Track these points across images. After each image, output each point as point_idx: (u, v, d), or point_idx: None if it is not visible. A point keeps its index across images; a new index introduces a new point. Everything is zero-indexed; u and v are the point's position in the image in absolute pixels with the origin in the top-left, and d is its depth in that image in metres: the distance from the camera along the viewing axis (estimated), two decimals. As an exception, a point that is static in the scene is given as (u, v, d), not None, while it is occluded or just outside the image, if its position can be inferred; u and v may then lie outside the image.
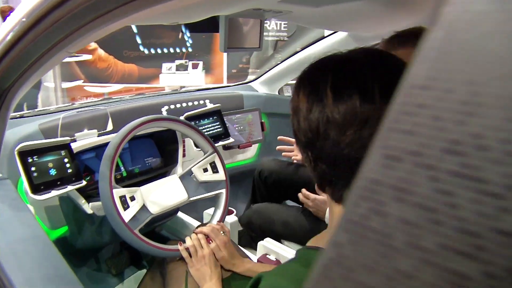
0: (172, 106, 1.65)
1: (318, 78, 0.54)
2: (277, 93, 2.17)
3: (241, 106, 1.99)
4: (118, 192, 0.99)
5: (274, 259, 1.36)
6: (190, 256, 1.04)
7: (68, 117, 1.25)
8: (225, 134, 1.53)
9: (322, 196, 1.51)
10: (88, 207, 1.08)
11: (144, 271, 1.55)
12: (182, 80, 4.75)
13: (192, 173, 1.19)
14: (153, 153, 1.33)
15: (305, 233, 1.53)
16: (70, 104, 1.94)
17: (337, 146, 0.52)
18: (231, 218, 1.56)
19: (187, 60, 4.77)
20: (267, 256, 1.38)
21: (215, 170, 1.21)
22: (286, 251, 1.36)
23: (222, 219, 1.18)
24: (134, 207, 1.01)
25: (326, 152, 0.53)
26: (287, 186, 1.70)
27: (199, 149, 1.39)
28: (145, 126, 1.07)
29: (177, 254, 1.04)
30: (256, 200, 1.75)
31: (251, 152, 2.05)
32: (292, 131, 0.59)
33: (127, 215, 0.98)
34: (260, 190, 1.77)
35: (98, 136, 1.27)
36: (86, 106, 1.45)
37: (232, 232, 1.50)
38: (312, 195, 1.54)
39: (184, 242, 1.06)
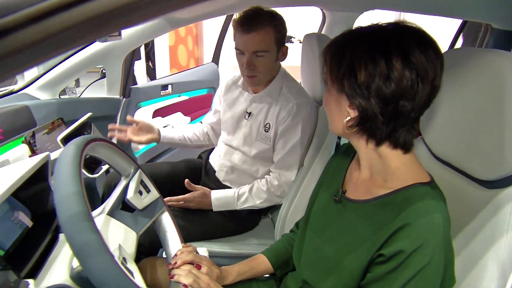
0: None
1: (403, 48, 0.68)
2: (58, 97, 1.75)
3: (31, 121, 1.51)
4: (119, 256, 0.66)
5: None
6: None
7: None
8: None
9: (197, 190, 1.48)
10: None
11: None
12: None
13: (119, 205, 0.91)
14: (14, 204, 0.87)
15: (203, 229, 1.47)
16: None
17: (425, 94, 0.69)
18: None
19: None
20: None
21: (147, 189, 0.97)
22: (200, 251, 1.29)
23: (182, 239, 0.99)
24: (132, 266, 0.70)
25: (412, 104, 0.69)
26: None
27: None
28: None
29: None
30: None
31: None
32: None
33: (139, 282, 0.68)
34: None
35: None
36: None
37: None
38: (187, 195, 1.47)
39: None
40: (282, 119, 1.45)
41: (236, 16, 1.38)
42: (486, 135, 0.77)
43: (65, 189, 0.64)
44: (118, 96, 1.87)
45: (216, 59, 2.76)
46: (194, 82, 2.48)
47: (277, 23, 1.36)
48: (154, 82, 2.18)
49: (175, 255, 0.93)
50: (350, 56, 0.71)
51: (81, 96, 1.80)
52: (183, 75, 2.44)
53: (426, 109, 0.74)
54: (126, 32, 1.64)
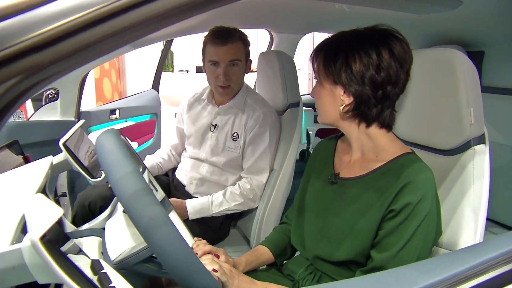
0: None
1: (388, 42, 0.86)
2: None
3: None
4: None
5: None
6: None
7: None
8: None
9: (173, 199, 1.50)
10: None
11: None
12: None
13: None
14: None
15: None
16: None
17: (403, 81, 0.88)
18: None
19: None
20: None
21: (155, 188, 1.00)
22: None
23: (192, 234, 1.02)
24: None
25: (395, 89, 0.87)
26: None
27: None
28: None
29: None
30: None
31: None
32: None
33: None
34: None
35: None
36: None
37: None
38: None
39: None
40: (250, 127, 1.56)
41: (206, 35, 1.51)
42: (445, 114, 0.98)
43: (120, 170, 0.66)
44: (73, 119, 1.80)
45: (156, 85, 2.79)
46: (139, 107, 2.47)
47: (244, 38, 1.53)
48: (103, 107, 2.13)
49: (191, 248, 0.96)
50: (345, 51, 0.87)
51: (31, 119, 1.69)
52: (127, 100, 2.42)
53: (401, 94, 0.93)
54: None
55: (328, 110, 0.94)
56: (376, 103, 0.88)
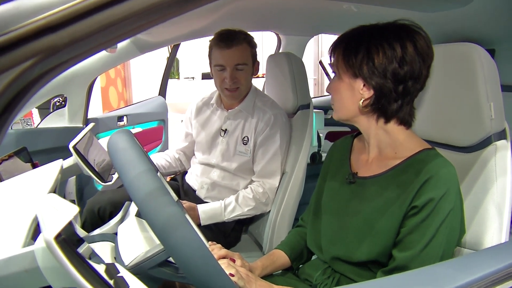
0: None
1: (413, 36, 0.84)
2: (10, 128, 1.63)
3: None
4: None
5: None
6: None
7: None
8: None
9: (185, 203, 1.48)
10: None
11: None
12: None
13: None
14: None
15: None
16: None
17: (424, 76, 0.86)
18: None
19: None
20: None
21: (168, 191, 0.97)
22: None
23: (206, 239, 0.99)
24: None
25: (416, 85, 0.85)
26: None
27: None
28: None
29: None
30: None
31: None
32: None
33: None
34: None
35: None
36: None
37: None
38: None
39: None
40: (260, 130, 1.54)
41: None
42: (464, 110, 0.95)
43: (134, 169, 0.64)
44: (81, 125, 1.79)
45: (162, 92, 2.78)
46: (146, 114, 2.47)
47: (250, 39, 1.51)
48: (111, 113, 2.13)
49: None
50: (367, 44, 0.85)
51: (39, 127, 1.69)
52: (135, 107, 2.42)
53: (421, 90, 0.90)
54: (91, 58, 1.62)
55: (346, 104, 0.91)
56: (397, 98, 0.86)
